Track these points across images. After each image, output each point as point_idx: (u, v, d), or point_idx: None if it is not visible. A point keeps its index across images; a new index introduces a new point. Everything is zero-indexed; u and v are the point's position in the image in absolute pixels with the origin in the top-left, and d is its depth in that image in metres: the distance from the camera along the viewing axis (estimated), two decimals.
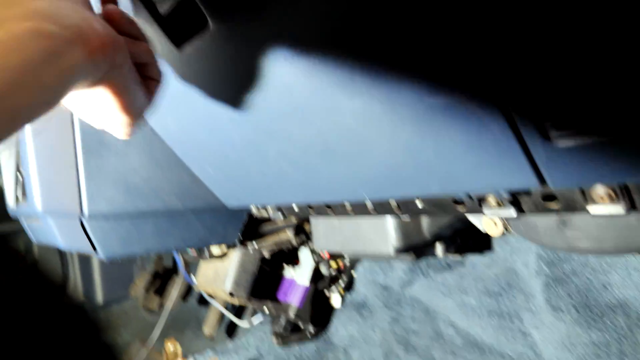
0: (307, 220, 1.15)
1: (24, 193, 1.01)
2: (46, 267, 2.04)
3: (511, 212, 0.50)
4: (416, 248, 0.85)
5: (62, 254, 2.08)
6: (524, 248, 0.90)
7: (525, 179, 0.43)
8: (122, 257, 0.88)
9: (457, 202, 0.57)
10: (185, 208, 0.89)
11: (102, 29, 0.35)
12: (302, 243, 1.29)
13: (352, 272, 1.32)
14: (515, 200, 0.50)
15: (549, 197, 0.48)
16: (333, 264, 1.32)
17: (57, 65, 0.31)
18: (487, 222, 0.74)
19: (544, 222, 0.61)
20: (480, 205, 0.54)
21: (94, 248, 0.83)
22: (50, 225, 0.82)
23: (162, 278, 1.98)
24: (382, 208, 0.68)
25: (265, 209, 0.91)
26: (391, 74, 0.41)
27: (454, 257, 1.08)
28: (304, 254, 1.31)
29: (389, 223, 0.80)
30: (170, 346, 1.22)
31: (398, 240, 0.80)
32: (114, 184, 0.81)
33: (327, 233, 0.93)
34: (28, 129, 0.76)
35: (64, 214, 0.80)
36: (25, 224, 1.04)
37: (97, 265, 2.10)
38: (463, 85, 0.38)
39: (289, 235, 1.13)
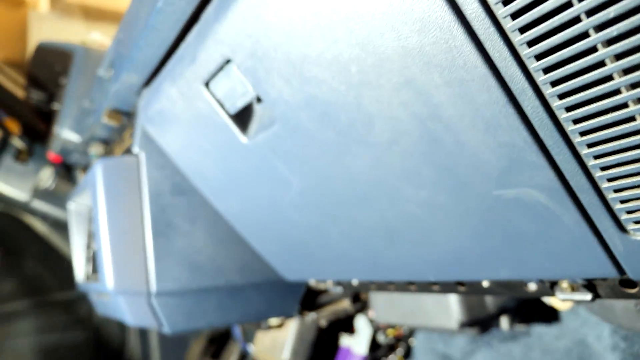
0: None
1: (94, 270, 1.06)
2: (107, 332, 2.10)
3: (586, 297, 0.49)
4: (480, 322, 0.83)
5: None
6: (596, 320, 0.86)
7: (602, 269, 0.42)
8: (187, 331, 0.90)
9: (526, 284, 0.56)
10: (246, 283, 0.91)
11: None
12: (359, 311, 1.28)
13: (410, 340, 1.29)
14: (590, 285, 0.49)
15: (628, 283, 0.47)
16: (390, 332, 1.29)
17: None
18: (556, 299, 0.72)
19: (621, 304, 0.59)
20: (552, 289, 0.52)
21: (160, 324, 0.86)
22: (119, 302, 0.85)
23: (217, 343, 1.99)
24: (446, 287, 0.67)
25: (324, 282, 0.92)
26: (459, 168, 0.43)
27: (519, 327, 1.05)
28: (361, 322, 1.29)
29: (452, 297, 0.79)
30: None
31: (462, 314, 0.78)
32: (180, 263, 0.84)
33: (387, 306, 0.92)
34: (103, 210, 0.81)
35: (133, 292, 0.83)
36: (93, 298, 1.09)
37: (154, 331, 2.14)
38: (532, 180, 0.39)
39: (346, 304, 1.13)
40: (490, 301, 0.80)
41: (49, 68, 1.43)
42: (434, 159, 0.44)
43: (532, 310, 0.92)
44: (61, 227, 1.74)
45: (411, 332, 1.27)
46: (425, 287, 0.70)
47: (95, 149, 1.07)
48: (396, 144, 0.45)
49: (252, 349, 1.27)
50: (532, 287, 0.56)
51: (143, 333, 2.16)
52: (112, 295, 0.86)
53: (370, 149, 0.48)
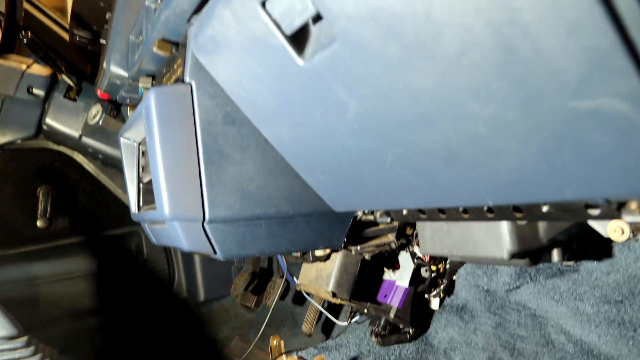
0: (410, 224, 1.15)
1: (146, 202, 1.10)
2: (154, 266, 2.20)
3: None
4: (531, 253, 0.82)
5: (168, 256, 2.23)
6: None
7: None
8: (238, 258, 0.93)
9: (590, 206, 0.55)
10: (295, 213, 0.93)
11: None
12: (403, 246, 1.29)
13: (453, 276, 1.30)
14: None
15: None
16: (433, 267, 1.31)
17: None
18: (614, 227, 0.70)
19: None
20: (618, 210, 0.51)
21: (214, 249, 0.89)
22: (175, 228, 0.88)
23: (259, 278, 2.06)
24: (501, 213, 0.66)
25: (372, 213, 0.92)
26: (533, 79, 0.41)
27: (567, 264, 1.04)
28: (404, 257, 1.31)
29: (504, 226, 0.79)
30: (275, 342, 1.27)
31: (513, 244, 0.78)
32: (232, 191, 0.86)
33: (434, 237, 0.92)
34: (157, 137, 0.82)
35: (187, 218, 0.86)
36: (146, 227, 1.13)
37: (198, 266, 2.24)
38: (615, 88, 0.37)
39: (390, 238, 1.14)
40: (542, 232, 0.79)
41: (93, 4, 1.43)
42: (505, 70, 0.42)
43: (584, 244, 0.91)
44: (109, 165, 1.80)
45: (454, 268, 1.28)
46: (479, 214, 0.69)
47: (144, 83, 1.08)
48: (465, 56, 0.43)
49: (296, 281, 1.31)
50: (595, 211, 0.55)
51: (188, 269, 2.26)
52: (168, 222, 0.89)
53: (437, 64, 0.46)
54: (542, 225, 0.80)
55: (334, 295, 1.15)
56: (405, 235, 1.20)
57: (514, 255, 0.79)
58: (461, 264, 1.21)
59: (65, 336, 1.94)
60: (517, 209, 0.64)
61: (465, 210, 0.72)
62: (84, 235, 2.03)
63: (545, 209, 0.59)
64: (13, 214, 1.88)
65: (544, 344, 1.09)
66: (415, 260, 1.25)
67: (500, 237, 0.79)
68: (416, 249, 1.23)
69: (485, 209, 0.68)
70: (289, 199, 0.92)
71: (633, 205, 0.49)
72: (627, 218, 0.50)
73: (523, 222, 0.77)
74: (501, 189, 0.56)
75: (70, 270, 2.02)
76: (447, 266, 1.27)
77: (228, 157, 0.85)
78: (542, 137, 0.45)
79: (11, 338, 0.91)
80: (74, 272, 2.03)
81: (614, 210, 0.51)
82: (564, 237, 0.85)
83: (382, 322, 1.29)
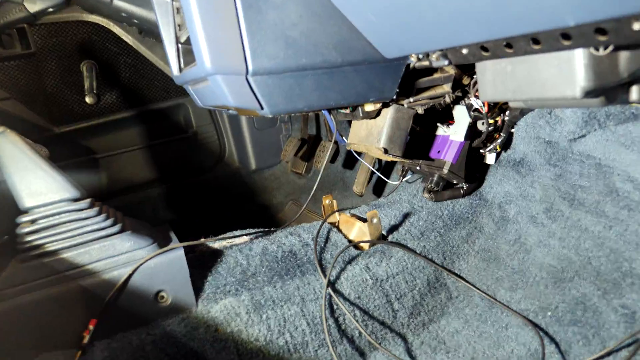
0: (467, 73, 1.07)
1: (187, 62, 1.06)
2: (204, 137, 2.24)
3: None
4: (607, 91, 0.74)
5: (216, 127, 2.25)
6: None
7: None
8: (286, 113, 0.90)
9: None
10: (343, 61, 0.86)
11: None
12: (458, 100, 1.22)
13: (512, 129, 1.24)
14: None
15: None
16: (491, 120, 1.24)
17: None
18: None
19: None
20: None
21: (260, 104, 0.86)
22: (218, 83, 0.85)
23: (308, 144, 2.07)
24: (580, 38, 0.58)
25: (427, 57, 0.85)
26: None
27: None
28: (459, 110, 1.24)
29: (579, 59, 0.70)
30: (327, 201, 1.29)
31: (588, 80, 0.69)
32: (275, 39, 0.80)
33: (496, 80, 0.85)
34: None
35: (230, 71, 0.81)
36: (191, 90, 1.10)
37: (247, 136, 2.25)
38: None
39: (445, 89, 1.07)
40: (624, 65, 0.69)
41: None
42: None
43: None
44: (147, 32, 1.74)
45: (513, 121, 1.21)
46: (553, 43, 0.61)
47: None
48: None
49: (346, 141, 1.28)
50: None
51: (238, 140, 2.28)
52: (210, 77, 0.85)
53: None
54: (624, 57, 0.70)
55: (385, 151, 1.12)
56: (462, 86, 1.12)
57: (588, 93, 0.71)
58: (522, 114, 1.14)
59: (127, 208, 2.06)
60: (600, 30, 0.55)
61: (536, 40, 0.63)
62: (132, 109, 2.06)
63: (637, 25, 0.51)
64: (62, 92, 1.91)
65: (607, 192, 1.04)
66: (472, 113, 1.18)
67: (573, 73, 0.71)
68: (473, 101, 1.16)
69: (560, 35, 0.60)
70: (336, 47, 0.85)
71: None
72: None
73: (604, 53, 0.68)
74: (585, 2, 0.48)
75: (124, 144, 2.09)
76: (506, 118, 1.20)
77: (268, 1, 0.77)
78: None
79: (75, 200, 0.94)
80: (128, 145, 2.10)
81: None
82: None
83: (435, 179, 1.27)
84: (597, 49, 0.63)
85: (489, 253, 1.22)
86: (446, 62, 0.82)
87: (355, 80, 0.91)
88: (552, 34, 0.60)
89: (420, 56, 0.88)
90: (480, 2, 0.57)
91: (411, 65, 0.94)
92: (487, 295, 1.10)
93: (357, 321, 0.99)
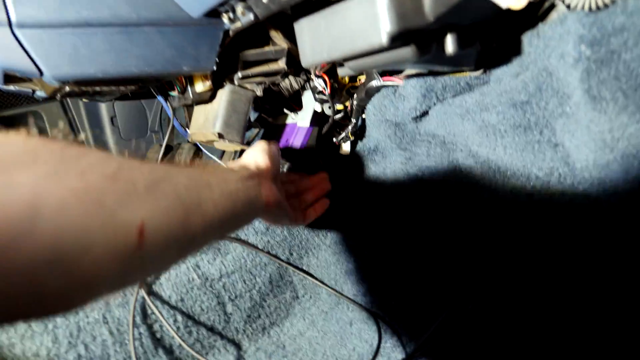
0: None
1: None
2: None
3: None
4: (418, 37, 0.68)
5: (75, 137, 2.02)
6: (560, 34, 0.72)
7: None
8: (74, 79, 0.76)
9: None
10: (139, 18, 0.75)
11: (275, 197, 0.76)
12: (304, 86, 1.15)
13: (362, 114, 1.18)
14: None
15: None
16: (340, 106, 1.18)
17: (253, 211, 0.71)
18: None
19: None
20: None
21: (37, 67, 0.71)
22: None
23: (173, 151, 1.91)
24: None
25: (234, 12, 0.75)
26: None
27: (475, 74, 0.92)
28: (307, 96, 1.17)
29: (380, 3, 0.64)
30: None
31: (392, 22, 0.63)
32: None
33: (313, 40, 0.77)
34: None
35: None
36: None
37: (113, 148, 2.04)
38: None
39: (280, 65, 0.98)
40: (428, 6, 0.64)
41: None
42: None
43: (486, 38, 0.78)
44: None
45: (362, 105, 1.16)
46: None
47: None
48: None
49: (189, 132, 1.16)
50: None
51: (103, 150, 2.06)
52: None
53: None
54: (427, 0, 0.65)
55: (220, 136, 1.00)
56: (306, 71, 1.05)
57: (394, 39, 0.65)
58: (367, 95, 1.09)
59: None
60: None
61: None
62: None
63: None
64: None
65: (452, 170, 1.00)
66: (317, 95, 1.11)
67: (376, 17, 0.64)
68: (316, 82, 1.08)
69: None
70: (128, 0, 0.73)
71: None
72: None
73: None
74: None
75: None
76: (354, 102, 1.15)
77: None
78: None
79: None
80: None
81: None
82: (457, 19, 0.71)
83: (285, 169, 1.17)
84: None
85: (340, 246, 1.14)
86: (251, 16, 0.73)
87: (161, 44, 0.79)
88: None
89: (231, 16, 0.79)
90: None
91: (230, 32, 0.84)
92: (334, 290, 1.00)
93: (177, 328, 0.85)
